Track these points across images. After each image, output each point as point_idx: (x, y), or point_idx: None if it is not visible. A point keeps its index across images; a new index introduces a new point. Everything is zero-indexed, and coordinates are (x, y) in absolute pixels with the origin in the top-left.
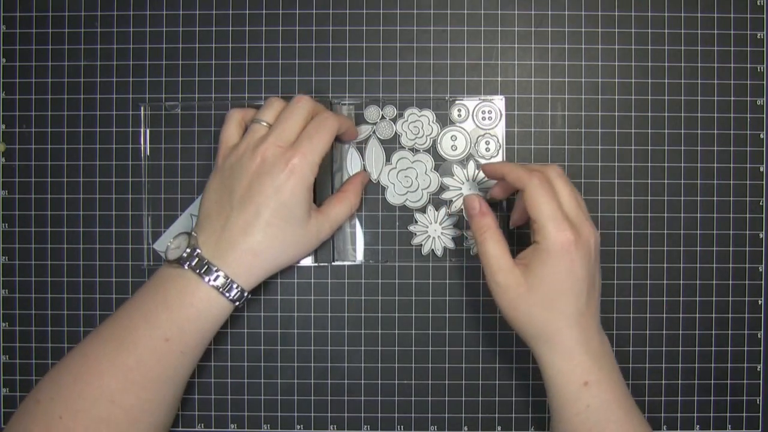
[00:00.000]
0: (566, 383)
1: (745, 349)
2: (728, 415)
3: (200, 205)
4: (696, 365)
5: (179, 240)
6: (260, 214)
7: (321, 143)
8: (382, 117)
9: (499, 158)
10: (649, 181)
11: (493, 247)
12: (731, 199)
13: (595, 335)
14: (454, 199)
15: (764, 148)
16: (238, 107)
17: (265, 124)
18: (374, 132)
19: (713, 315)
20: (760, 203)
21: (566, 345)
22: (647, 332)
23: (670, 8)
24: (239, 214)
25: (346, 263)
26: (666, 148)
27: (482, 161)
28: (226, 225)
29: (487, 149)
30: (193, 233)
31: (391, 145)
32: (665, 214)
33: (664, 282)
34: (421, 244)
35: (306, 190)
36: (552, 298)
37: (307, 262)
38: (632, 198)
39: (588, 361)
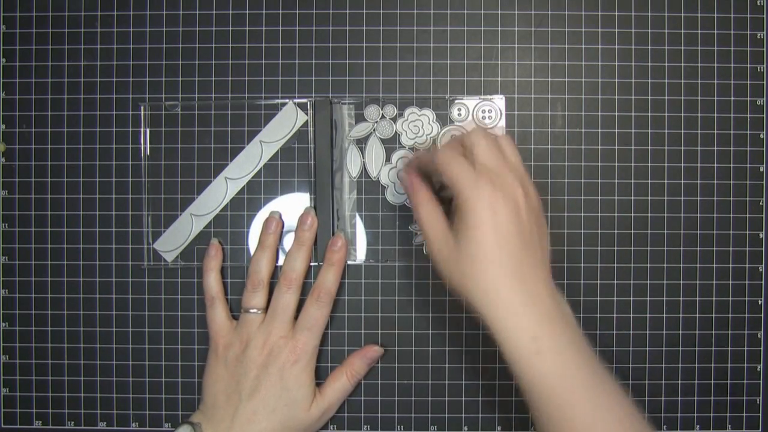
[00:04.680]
0: (517, 345)
1: (745, 349)
2: (728, 415)
3: (204, 393)
4: (696, 365)
5: (183, 431)
6: (266, 402)
7: (318, 329)
8: (382, 116)
9: None
10: (649, 181)
11: (428, 219)
12: (731, 199)
13: (543, 294)
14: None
15: (764, 148)
16: (209, 268)
17: (256, 311)
18: (374, 131)
19: (713, 315)
20: (760, 203)
21: (506, 302)
22: (647, 332)
23: (670, 8)
24: (247, 404)
25: (347, 263)
26: (666, 148)
27: None
28: (235, 416)
29: None
30: (195, 422)
31: (391, 145)
32: (665, 214)
33: (664, 282)
34: (422, 244)
35: (309, 377)
36: (481, 254)
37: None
38: (632, 198)
39: (535, 317)
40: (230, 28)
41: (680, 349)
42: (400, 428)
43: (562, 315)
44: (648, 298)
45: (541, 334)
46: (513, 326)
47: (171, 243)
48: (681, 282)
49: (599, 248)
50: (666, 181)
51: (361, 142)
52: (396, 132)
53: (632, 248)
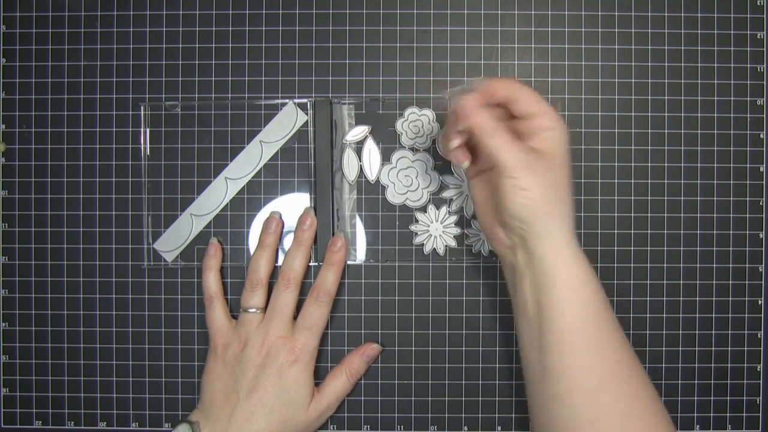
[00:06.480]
0: (575, 264)
1: (745, 349)
2: (728, 415)
3: (202, 392)
4: (696, 365)
5: (182, 429)
6: (264, 402)
7: (317, 329)
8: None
9: None
10: (649, 181)
11: (504, 137)
12: (731, 199)
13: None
14: (454, 198)
15: (764, 148)
16: (208, 266)
17: (255, 311)
18: (370, 134)
19: (713, 315)
20: (760, 203)
21: (566, 237)
22: (647, 332)
23: (670, 8)
24: (245, 403)
25: (347, 263)
26: (666, 148)
27: None
28: (232, 415)
29: None
30: (194, 421)
31: (391, 145)
32: (665, 214)
33: (664, 282)
34: (423, 244)
35: (308, 377)
36: (557, 188)
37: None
38: (632, 198)
39: (580, 250)
40: (230, 28)
41: (680, 349)
42: (400, 428)
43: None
44: (648, 298)
45: (582, 253)
46: (569, 256)
47: (171, 243)
48: (681, 282)
49: (599, 248)
50: (666, 181)
51: (360, 143)
52: (396, 132)
53: (632, 248)
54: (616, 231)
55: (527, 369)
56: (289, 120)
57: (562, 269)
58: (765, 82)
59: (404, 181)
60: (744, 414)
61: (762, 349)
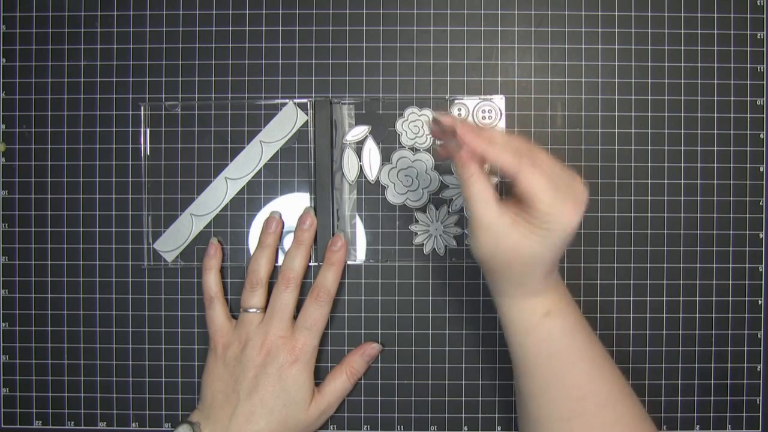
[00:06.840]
0: (528, 315)
1: (745, 349)
2: (728, 415)
3: (203, 392)
4: (696, 365)
5: (182, 430)
6: (265, 403)
7: (318, 329)
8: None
9: None
10: (649, 181)
11: (480, 190)
12: (731, 199)
13: (556, 268)
14: (454, 198)
15: (764, 148)
16: (208, 266)
17: (255, 310)
18: (370, 134)
19: (713, 315)
20: (760, 203)
21: (534, 286)
22: (647, 332)
23: (670, 8)
24: (245, 403)
25: (347, 263)
26: (666, 148)
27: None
28: (233, 415)
29: None
30: (194, 422)
31: (391, 145)
32: (665, 214)
33: (664, 282)
34: (423, 244)
35: (308, 377)
36: (553, 248)
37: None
38: (632, 198)
39: (552, 294)
40: (230, 28)
41: (680, 349)
42: (400, 428)
43: (566, 289)
44: (648, 298)
45: (552, 304)
46: (530, 303)
47: (171, 243)
48: (681, 282)
49: (599, 248)
50: (666, 181)
51: (360, 143)
52: (396, 132)
53: (632, 248)
54: (616, 231)
55: (516, 389)
56: (289, 120)
57: (522, 319)
58: (765, 82)
59: (404, 181)
60: (744, 414)
61: (762, 349)
